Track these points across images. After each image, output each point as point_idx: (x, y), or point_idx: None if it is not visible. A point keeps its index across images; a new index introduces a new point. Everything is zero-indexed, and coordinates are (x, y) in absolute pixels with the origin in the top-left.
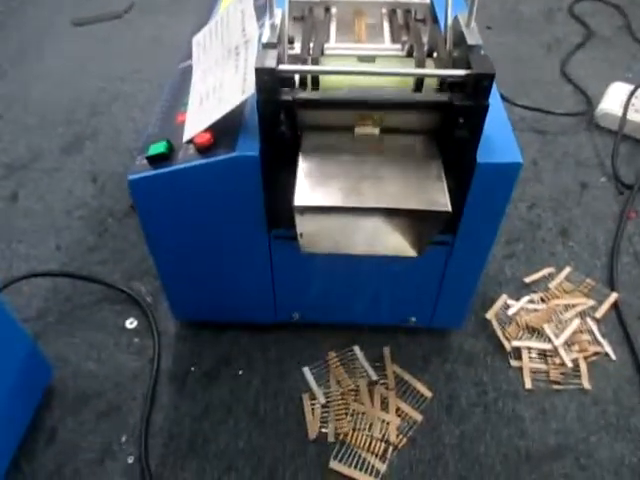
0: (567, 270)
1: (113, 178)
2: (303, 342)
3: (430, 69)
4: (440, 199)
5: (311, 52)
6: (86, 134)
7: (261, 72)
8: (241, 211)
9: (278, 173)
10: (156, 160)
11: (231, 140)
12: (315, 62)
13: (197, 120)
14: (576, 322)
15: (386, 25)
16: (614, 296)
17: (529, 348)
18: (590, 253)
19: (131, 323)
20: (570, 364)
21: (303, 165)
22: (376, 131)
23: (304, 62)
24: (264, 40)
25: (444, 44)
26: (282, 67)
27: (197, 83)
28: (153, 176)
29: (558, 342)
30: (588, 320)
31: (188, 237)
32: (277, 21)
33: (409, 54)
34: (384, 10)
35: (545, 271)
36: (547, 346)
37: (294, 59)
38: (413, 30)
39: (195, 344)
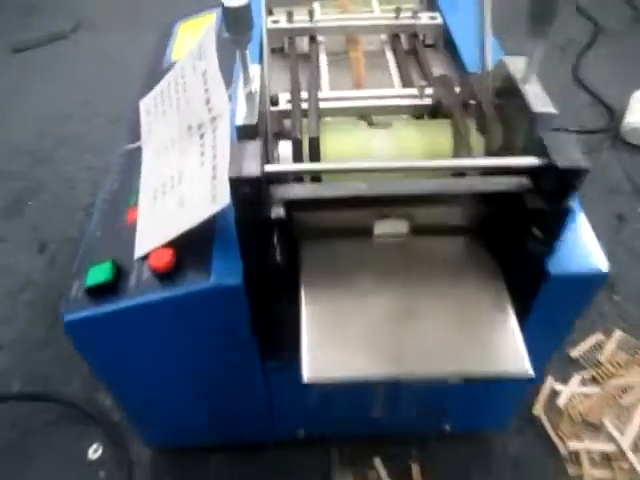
0: (617, 334)
1: (65, 246)
2: (310, 460)
3: (490, 159)
4: (516, 357)
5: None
6: (27, 191)
7: (239, 184)
8: (223, 345)
9: (271, 304)
10: (99, 291)
11: (202, 260)
12: (314, 152)
13: (152, 230)
14: (639, 410)
15: (390, 57)
16: None
17: (589, 451)
18: (638, 308)
19: (95, 451)
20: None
21: (307, 305)
22: (404, 228)
23: (294, 129)
24: (239, 121)
25: (487, 94)
26: (269, 168)
27: (149, 168)
28: (96, 316)
29: (624, 443)
30: None
31: (154, 374)
32: (255, 87)
33: (435, 109)
34: (384, 37)
35: (593, 339)
36: (611, 447)
37: (279, 117)
38: (440, 80)
39: (177, 475)
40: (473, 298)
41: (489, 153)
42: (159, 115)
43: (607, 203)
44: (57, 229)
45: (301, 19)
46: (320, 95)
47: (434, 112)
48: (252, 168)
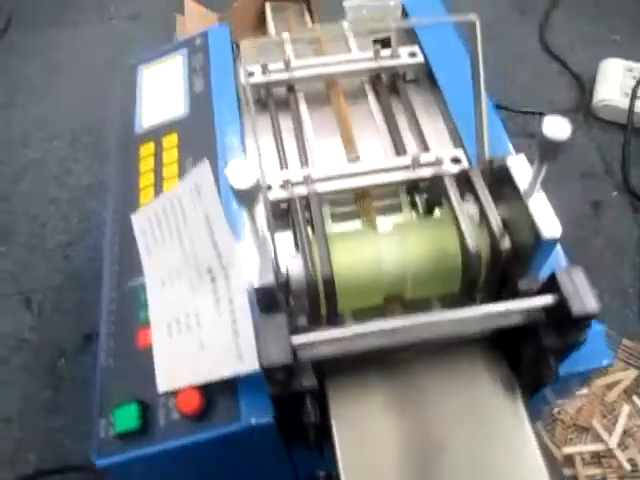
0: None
1: (50, 295)
2: None
3: (505, 303)
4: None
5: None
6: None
7: (272, 371)
8: (255, 474)
9: (305, 437)
10: (128, 435)
11: (229, 397)
12: (331, 293)
13: (173, 366)
14: (625, 410)
15: (372, 101)
16: None
17: (581, 453)
18: (619, 301)
19: None
20: (628, 466)
21: (341, 447)
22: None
23: (306, 268)
24: (256, 284)
25: (489, 202)
26: (298, 340)
27: (156, 296)
28: (128, 460)
29: (612, 442)
30: (635, 399)
31: None
32: (269, 252)
33: (430, 191)
34: (364, 78)
35: None
36: (600, 447)
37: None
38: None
39: None
40: (495, 422)
41: (494, 252)
42: (158, 240)
43: (582, 188)
44: (37, 277)
45: (277, 68)
46: (313, 174)
47: (429, 187)
48: (283, 355)
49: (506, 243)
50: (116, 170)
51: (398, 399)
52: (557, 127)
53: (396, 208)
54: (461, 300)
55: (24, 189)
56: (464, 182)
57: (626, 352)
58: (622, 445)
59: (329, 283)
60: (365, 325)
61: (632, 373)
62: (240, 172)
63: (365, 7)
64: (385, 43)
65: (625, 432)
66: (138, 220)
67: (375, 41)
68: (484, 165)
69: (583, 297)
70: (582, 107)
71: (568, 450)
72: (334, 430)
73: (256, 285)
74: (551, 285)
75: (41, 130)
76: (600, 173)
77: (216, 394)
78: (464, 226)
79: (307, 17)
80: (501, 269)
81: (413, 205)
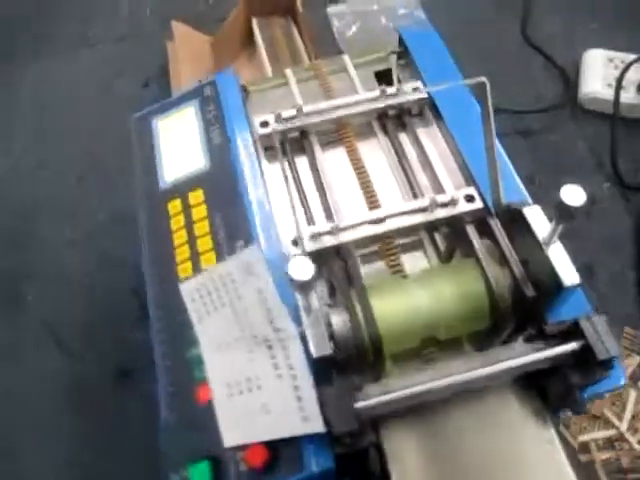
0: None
1: (83, 334)
2: None
3: (536, 354)
4: None
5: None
6: (21, 277)
7: (341, 437)
8: None
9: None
10: None
11: (292, 447)
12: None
13: (237, 424)
14: (633, 395)
15: (382, 139)
16: None
17: (595, 439)
18: (618, 290)
19: None
20: (639, 447)
21: None
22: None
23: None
24: (315, 354)
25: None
26: (361, 405)
27: (212, 359)
28: None
29: (623, 427)
30: None
31: None
32: (322, 325)
33: (452, 235)
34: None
35: None
36: (612, 432)
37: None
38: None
39: None
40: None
41: (518, 297)
42: (209, 309)
43: (575, 181)
44: (67, 319)
45: (289, 115)
46: (339, 224)
47: (451, 232)
48: (350, 423)
49: (530, 291)
50: (147, 229)
51: (441, 439)
52: (573, 195)
53: (417, 245)
54: (488, 336)
55: (39, 233)
56: (482, 226)
57: (628, 339)
58: (632, 428)
59: (376, 340)
60: (422, 386)
61: (635, 360)
62: (299, 266)
63: (348, 14)
64: (385, 74)
65: (634, 417)
66: (187, 289)
67: (377, 73)
68: (501, 212)
69: (606, 343)
70: (568, 100)
71: (583, 438)
72: (392, 474)
73: (315, 356)
74: (575, 331)
75: (45, 172)
76: (590, 166)
77: (280, 445)
78: (490, 274)
79: (294, 31)
80: (524, 311)
81: (432, 241)
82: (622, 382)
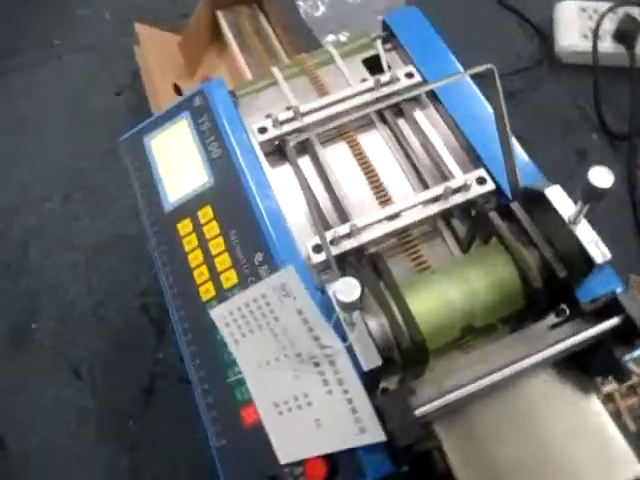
0: None
1: (97, 360)
2: None
3: (581, 334)
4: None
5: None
6: (24, 307)
7: (404, 446)
8: None
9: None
10: None
11: (351, 458)
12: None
13: (291, 440)
14: None
15: (382, 130)
16: None
17: (618, 389)
18: (617, 242)
19: None
20: None
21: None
22: None
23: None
24: (365, 367)
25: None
26: (420, 412)
27: (256, 380)
28: None
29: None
30: None
31: None
32: (367, 337)
33: (474, 224)
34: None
35: None
36: (634, 380)
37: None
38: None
39: None
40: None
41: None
42: (245, 332)
43: (566, 139)
44: (79, 345)
45: (286, 117)
46: (358, 224)
47: (473, 221)
48: (414, 432)
49: (562, 270)
50: (161, 253)
51: (495, 424)
52: (601, 176)
53: (434, 235)
54: (522, 316)
55: (34, 261)
56: (502, 210)
57: (636, 287)
58: None
59: (419, 340)
60: (476, 383)
61: None
62: (345, 287)
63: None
64: (374, 60)
65: None
66: (218, 314)
67: (364, 60)
68: (520, 195)
69: None
70: (547, 56)
71: (606, 389)
72: (454, 470)
73: (365, 369)
74: (613, 306)
75: (29, 195)
76: (576, 119)
77: (337, 456)
78: (519, 257)
79: (262, 19)
80: (556, 290)
81: (450, 229)
82: None
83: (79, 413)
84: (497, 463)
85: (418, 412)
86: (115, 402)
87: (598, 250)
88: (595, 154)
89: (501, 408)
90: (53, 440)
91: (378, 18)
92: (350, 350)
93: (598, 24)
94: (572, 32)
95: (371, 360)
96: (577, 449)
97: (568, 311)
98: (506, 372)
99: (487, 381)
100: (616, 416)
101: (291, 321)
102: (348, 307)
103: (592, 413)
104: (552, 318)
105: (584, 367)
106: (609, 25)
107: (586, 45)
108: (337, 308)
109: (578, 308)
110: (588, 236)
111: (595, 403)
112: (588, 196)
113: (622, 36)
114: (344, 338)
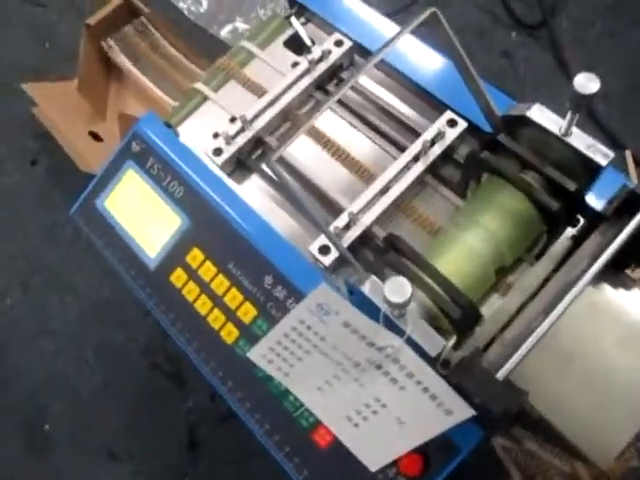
0: None
1: (129, 433)
2: None
3: (615, 244)
4: None
5: None
6: (29, 412)
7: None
8: None
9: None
10: None
11: (440, 441)
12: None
13: (374, 446)
14: None
15: (342, 113)
16: (629, 154)
17: None
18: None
19: None
20: None
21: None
22: None
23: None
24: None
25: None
26: (502, 373)
27: (318, 402)
28: None
29: None
30: None
31: None
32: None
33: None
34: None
35: None
36: None
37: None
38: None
39: None
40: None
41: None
42: (293, 361)
43: (486, 47)
44: (105, 426)
45: (236, 129)
46: (355, 209)
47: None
48: (509, 396)
49: (572, 184)
50: (163, 314)
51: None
52: (587, 82)
53: (429, 191)
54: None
55: (18, 362)
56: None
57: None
58: None
59: (469, 306)
60: (538, 330)
61: None
62: (396, 287)
63: None
64: (294, 40)
65: None
66: (257, 354)
67: (285, 43)
68: (499, 125)
69: None
70: None
71: None
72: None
73: (433, 355)
74: (635, 200)
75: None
76: (489, 23)
77: (426, 446)
78: (524, 185)
79: (154, 33)
80: (571, 203)
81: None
82: None
83: None
84: (572, 387)
85: (500, 375)
86: (163, 467)
87: (599, 152)
88: (519, 51)
89: (557, 335)
90: None
91: None
92: (410, 342)
93: None
94: None
95: (435, 344)
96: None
97: (582, 220)
98: (560, 308)
99: (546, 324)
100: None
101: (339, 336)
102: (400, 306)
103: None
104: (570, 230)
105: (619, 264)
106: None
107: None
108: (385, 306)
109: (598, 215)
110: (585, 143)
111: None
112: (577, 104)
113: None
114: (398, 332)
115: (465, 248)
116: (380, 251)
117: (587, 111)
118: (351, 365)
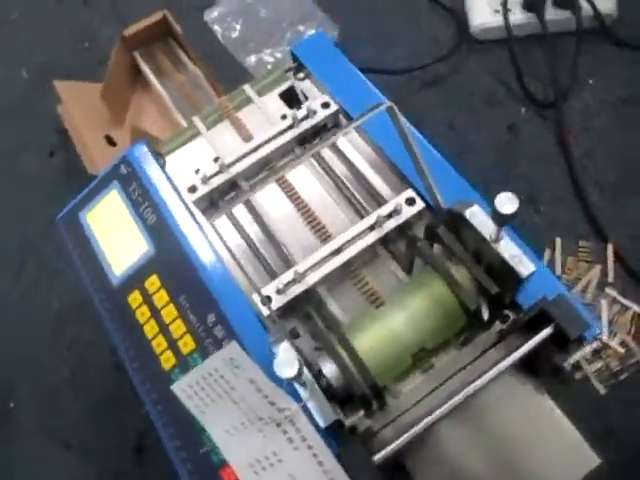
0: (559, 243)
1: (85, 427)
2: None
3: (519, 351)
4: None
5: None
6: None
7: None
8: None
9: None
10: None
11: None
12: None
13: None
14: (604, 303)
15: (315, 172)
16: (610, 249)
17: (584, 356)
18: (562, 208)
19: None
20: (621, 349)
21: None
22: None
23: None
24: (322, 424)
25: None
26: (379, 458)
27: (229, 445)
28: None
29: (604, 336)
30: (607, 290)
31: None
32: (319, 393)
33: (407, 249)
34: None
35: (545, 257)
36: (596, 344)
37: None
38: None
39: None
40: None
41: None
42: (207, 402)
43: (497, 117)
44: (64, 417)
45: (213, 171)
46: (301, 268)
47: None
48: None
49: (493, 287)
50: (116, 328)
51: (460, 441)
52: (506, 202)
53: (378, 262)
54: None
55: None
56: (432, 235)
57: (585, 252)
58: (612, 334)
59: (372, 383)
60: (430, 417)
61: (597, 269)
62: (284, 363)
63: (227, 14)
64: (290, 92)
65: (610, 322)
66: (180, 388)
67: (282, 93)
68: (444, 217)
69: (575, 321)
70: (463, 37)
71: (573, 359)
72: None
73: (323, 426)
74: (545, 316)
75: None
76: (502, 95)
77: None
78: (452, 280)
79: (180, 53)
80: (494, 303)
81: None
82: (598, 332)
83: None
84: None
85: (377, 457)
86: (109, 464)
87: (522, 264)
88: (525, 126)
89: (463, 424)
90: None
91: (299, 28)
92: (306, 408)
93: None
94: (483, 9)
95: (326, 417)
96: (538, 451)
97: (512, 316)
98: (457, 399)
99: (442, 410)
100: (585, 381)
101: (246, 389)
102: (292, 380)
103: (546, 411)
104: (498, 324)
105: (533, 371)
106: None
107: (499, 20)
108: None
109: (515, 321)
110: (511, 252)
111: (548, 402)
112: (499, 221)
113: (531, 4)
114: (297, 398)
115: (387, 329)
116: (307, 316)
117: (581, 200)
118: (256, 418)
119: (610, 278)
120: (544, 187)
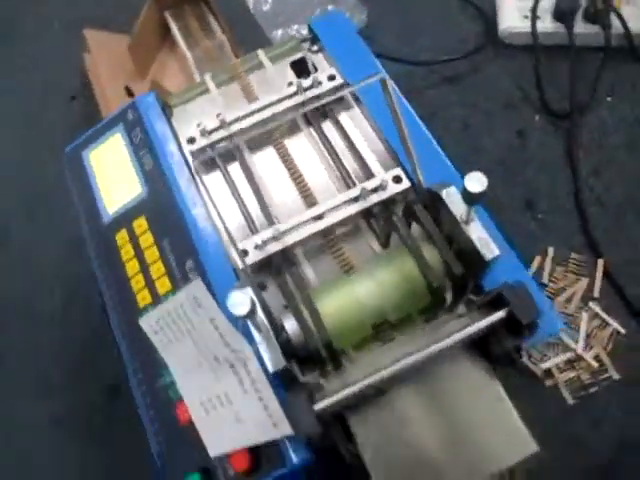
0: (550, 251)
1: (68, 363)
2: None
3: (473, 327)
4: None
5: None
6: None
7: (310, 439)
8: None
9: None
10: None
11: (273, 449)
12: (333, 355)
13: (217, 436)
14: (585, 316)
15: (313, 141)
16: (601, 264)
17: (557, 364)
18: (561, 218)
19: None
20: (595, 363)
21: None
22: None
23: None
24: (271, 369)
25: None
26: (320, 406)
27: (185, 381)
28: None
29: (579, 348)
30: (591, 305)
31: None
32: (273, 339)
33: (385, 223)
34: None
35: (535, 264)
36: (570, 355)
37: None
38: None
39: None
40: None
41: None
42: (170, 338)
43: (505, 120)
44: (49, 352)
45: (215, 126)
46: (281, 228)
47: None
48: (313, 427)
49: (458, 268)
50: (100, 263)
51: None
52: (476, 181)
53: (357, 234)
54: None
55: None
56: (411, 212)
57: (575, 264)
58: (588, 347)
59: (327, 342)
60: (372, 377)
61: (584, 283)
62: (237, 301)
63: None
64: (301, 63)
65: (588, 335)
66: (146, 323)
67: (293, 63)
68: (423, 195)
69: (528, 307)
70: (490, 39)
71: (545, 365)
72: (364, 458)
73: (271, 371)
74: (501, 300)
75: None
76: (519, 100)
77: (261, 448)
78: (421, 257)
79: (210, 18)
80: (458, 285)
81: (371, 228)
82: (558, 329)
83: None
84: (409, 451)
85: (317, 406)
86: (83, 401)
87: (487, 248)
88: (536, 134)
89: (409, 395)
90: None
91: (329, 8)
92: (259, 353)
93: (536, 3)
94: (513, 13)
95: (276, 363)
96: (480, 430)
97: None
98: (404, 363)
99: (385, 373)
100: (554, 390)
101: (205, 329)
102: (243, 318)
103: (493, 399)
104: (462, 307)
105: (486, 354)
106: (547, 4)
107: (527, 26)
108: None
109: (473, 302)
110: (479, 234)
111: (497, 388)
112: (468, 200)
113: (561, 15)
114: (251, 341)
115: (352, 294)
116: (280, 273)
117: (580, 213)
118: (212, 357)
119: (596, 293)
120: (545, 195)
